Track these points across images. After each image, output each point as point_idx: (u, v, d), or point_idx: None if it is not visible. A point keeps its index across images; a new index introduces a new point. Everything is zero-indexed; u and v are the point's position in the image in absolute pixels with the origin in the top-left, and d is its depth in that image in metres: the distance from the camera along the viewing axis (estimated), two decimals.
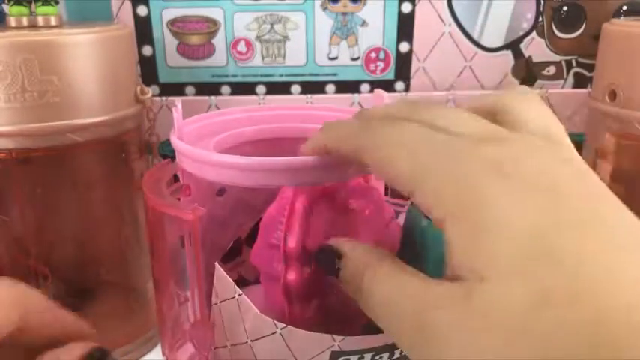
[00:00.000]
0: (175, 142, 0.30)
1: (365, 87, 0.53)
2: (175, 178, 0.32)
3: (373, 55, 0.52)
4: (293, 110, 0.38)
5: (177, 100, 0.32)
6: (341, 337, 0.25)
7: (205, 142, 0.32)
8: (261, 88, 0.52)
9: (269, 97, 0.52)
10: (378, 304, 0.20)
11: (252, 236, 0.33)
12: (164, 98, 0.51)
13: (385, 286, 0.19)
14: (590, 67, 0.54)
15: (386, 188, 0.35)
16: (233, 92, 0.52)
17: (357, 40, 0.52)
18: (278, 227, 0.28)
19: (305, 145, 0.26)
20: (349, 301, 0.28)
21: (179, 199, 0.31)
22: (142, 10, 0.49)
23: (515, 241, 0.16)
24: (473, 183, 0.17)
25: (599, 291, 0.15)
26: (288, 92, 0.53)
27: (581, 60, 0.54)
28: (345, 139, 0.23)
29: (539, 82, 0.54)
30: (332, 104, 0.52)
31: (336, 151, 0.23)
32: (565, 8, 0.52)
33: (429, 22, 0.51)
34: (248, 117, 0.37)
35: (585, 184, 0.18)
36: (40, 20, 0.41)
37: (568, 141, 0.20)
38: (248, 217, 0.35)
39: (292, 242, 0.27)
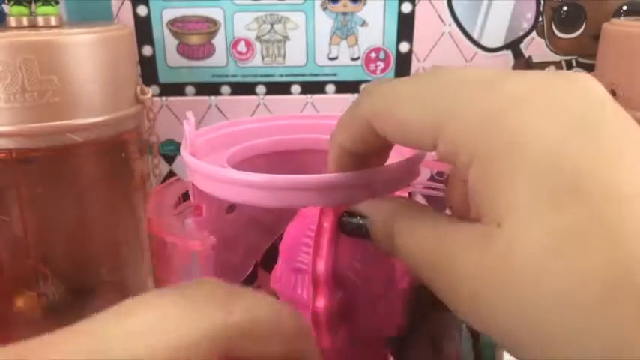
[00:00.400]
0: (188, 158, 0.27)
1: None
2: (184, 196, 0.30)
3: (373, 55, 0.52)
4: (308, 120, 0.36)
5: (189, 113, 0.29)
6: None
7: (217, 156, 0.31)
8: (261, 88, 0.52)
9: (269, 97, 0.52)
10: (410, 251, 0.19)
11: (267, 258, 0.32)
12: (164, 98, 0.51)
13: (415, 232, 0.19)
14: (590, 67, 0.54)
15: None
16: (233, 92, 0.52)
17: (357, 40, 0.51)
18: (302, 249, 0.26)
19: (328, 161, 0.24)
20: (374, 321, 0.28)
21: (185, 219, 0.29)
22: (142, 10, 0.49)
23: (537, 178, 0.15)
24: (497, 119, 0.16)
25: (624, 232, 0.14)
26: (288, 92, 0.53)
27: (581, 60, 0.54)
28: (353, 119, 0.21)
29: None
30: (333, 105, 0.52)
31: (351, 142, 0.22)
32: (565, 8, 0.52)
33: (429, 22, 0.51)
34: (261, 127, 0.35)
35: (615, 113, 0.16)
36: (40, 20, 0.41)
37: None
38: (259, 236, 0.33)
39: (322, 267, 0.25)
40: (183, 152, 0.28)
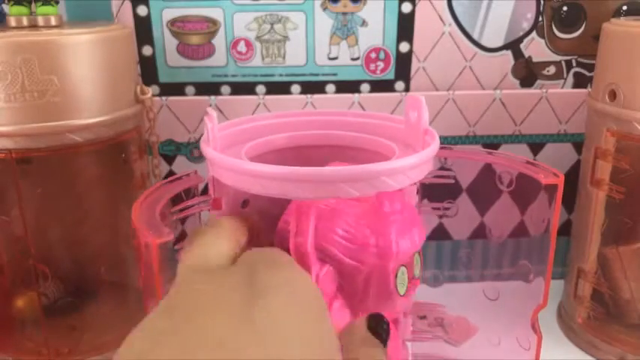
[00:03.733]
0: (211, 152, 0.28)
1: (365, 87, 0.53)
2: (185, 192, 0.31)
3: (373, 55, 0.52)
4: (323, 116, 0.37)
5: (210, 109, 0.30)
6: None
7: (233, 151, 0.31)
8: (261, 88, 0.52)
9: (269, 97, 0.52)
10: None
11: None
12: (164, 98, 0.51)
13: None
14: (590, 67, 0.54)
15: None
16: (233, 92, 0.52)
17: (357, 40, 0.52)
18: (286, 235, 0.27)
19: None
20: (370, 296, 0.28)
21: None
22: (142, 10, 0.49)
23: None
24: None
25: None
26: (288, 92, 0.53)
27: (581, 60, 0.54)
28: None
29: (539, 82, 0.54)
30: (332, 104, 0.53)
31: None
32: (565, 8, 0.52)
33: (429, 22, 0.51)
34: (276, 123, 0.36)
35: None
36: (40, 20, 0.41)
37: None
38: (271, 229, 0.34)
39: (301, 242, 0.26)
40: (205, 147, 0.29)
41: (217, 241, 0.24)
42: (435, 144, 0.30)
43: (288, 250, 0.27)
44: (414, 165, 0.28)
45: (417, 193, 0.36)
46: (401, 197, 0.29)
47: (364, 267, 0.27)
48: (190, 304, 0.19)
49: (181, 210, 0.30)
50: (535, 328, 0.34)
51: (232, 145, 0.33)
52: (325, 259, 0.27)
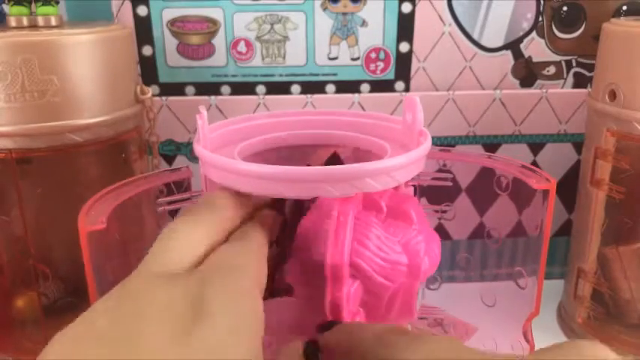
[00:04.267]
0: (201, 151, 0.29)
1: (365, 87, 0.53)
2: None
3: (373, 55, 0.52)
4: (319, 116, 0.37)
5: (202, 107, 0.31)
6: None
7: (229, 149, 0.32)
8: (261, 88, 0.52)
9: (269, 97, 0.52)
10: None
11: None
12: (164, 98, 0.51)
13: None
14: (590, 67, 0.54)
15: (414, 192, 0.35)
16: (233, 92, 0.52)
17: (357, 40, 0.52)
18: (319, 242, 0.26)
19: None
20: (391, 314, 0.28)
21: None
22: (142, 10, 0.49)
23: None
24: None
25: None
26: (288, 92, 0.53)
27: (581, 60, 0.54)
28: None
29: (539, 82, 0.54)
30: (332, 104, 0.53)
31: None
32: (565, 8, 0.52)
33: (429, 22, 0.51)
34: (273, 122, 0.36)
35: None
36: (40, 20, 0.41)
37: None
38: None
39: (338, 257, 0.25)
40: (196, 146, 0.29)
41: (189, 236, 0.23)
42: (424, 146, 0.29)
43: (311, 260, 0.26)
44: (399, 166, 0.27)
45: (415, 194, 0.36)
46: (419, 206, 0.29)
47: (393, 285, 0.27)
48: (128, 308, 0.19)
49: (171, 202, 0.31)
50: (527, 336, 0.33)
51: (228, 144, 0.33)
52: (356, 275, 0.26)
